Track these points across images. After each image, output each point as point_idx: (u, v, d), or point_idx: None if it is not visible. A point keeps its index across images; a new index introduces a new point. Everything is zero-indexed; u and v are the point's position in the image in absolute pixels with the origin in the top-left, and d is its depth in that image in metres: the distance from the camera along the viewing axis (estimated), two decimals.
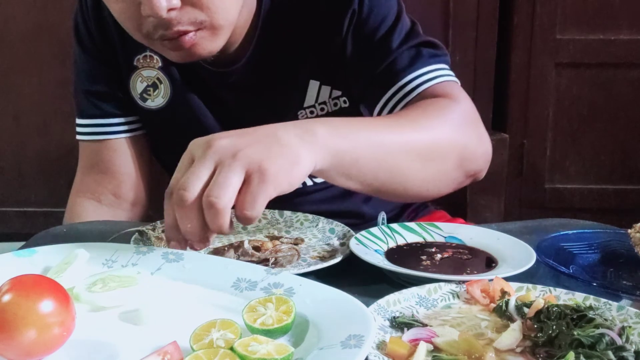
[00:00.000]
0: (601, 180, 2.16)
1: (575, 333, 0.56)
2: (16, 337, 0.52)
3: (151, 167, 1.16)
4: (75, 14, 1.10)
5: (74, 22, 1.10)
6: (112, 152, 1.10)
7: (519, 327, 0.59)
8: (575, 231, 0.87)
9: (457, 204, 1.95)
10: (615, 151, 2.14)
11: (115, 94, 1.09)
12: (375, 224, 0.87)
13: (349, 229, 0.88)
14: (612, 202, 2.15)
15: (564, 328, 0.57)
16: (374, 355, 0.53)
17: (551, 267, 0.75)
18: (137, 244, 0.80)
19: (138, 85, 1.07)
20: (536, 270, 0.76)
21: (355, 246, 0.79)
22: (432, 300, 0.66)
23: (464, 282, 0.68)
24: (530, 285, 0.68)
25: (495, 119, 2.07)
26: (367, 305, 0.60)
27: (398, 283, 0.73)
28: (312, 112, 1.04)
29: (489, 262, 0.79)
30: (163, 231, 0.78)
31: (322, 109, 1.05)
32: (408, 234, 0.86)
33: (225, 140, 0.68)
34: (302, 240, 0.87)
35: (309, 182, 1.10)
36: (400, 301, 0.64)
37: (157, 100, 1.07)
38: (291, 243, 0.84)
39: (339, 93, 1.04)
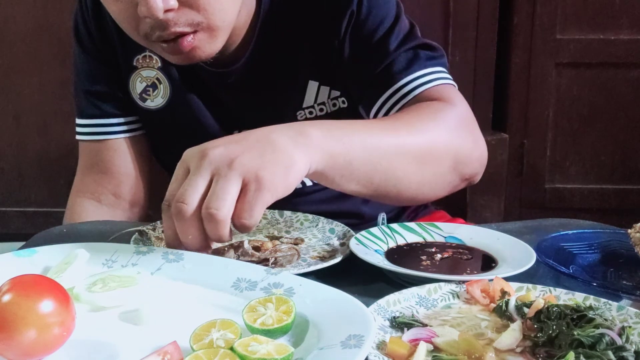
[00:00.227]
0: (601, 180, 2.16)
1: (575, 333, 0.56)
2: (16, 337, 0.52)
3: (151, 167, 1.16)
4: (75, 14, 1.10)
5: (74, 22, 1.11)
6: (112, 152, 1.10)
7: (519, 327, 0.59)
8: (575, 231, 0.87)
9: (457, 204, 1.96)
10: (616, 151, 2.14)
11: (115, 94, 1.09)
12: (375, 224, 0.87)
13: (349, 229, 0.88)
14: (612, 202, 2.15)
15: (564, 328, 0.57)
16: (374, 355, 0.53)
17: (551, 267, 0.75)
18: (137, 244, 0.80)
19: (137, 85, 1.07)
20: (536, 270, 0.76)
21: (355, 246, 0.79)
22: (432, 300, 0.66)
23: (464, 282, 0.68)
24: (530, 285, 0.68)
25: (495, 119, 2.07)
26: (367, 305, 0.60)
27: (398, 283, 0.73)
28: (311, 113, 1.04)
29: (489, 262, 0.79)
30: (163, 231, 0.78)
31: (321, 110, 1.05)
32: (408, 234, 0.86)
33: (219, 149, 0.69)
34: (302, 240, 0.87)
35: (308, 183, 1.10)
36: (400, 301, 0.64)
37: (157, 100, 1.07)
38: (291, 243, 0.84)
39: (337, 93, 1.04)
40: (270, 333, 0.57)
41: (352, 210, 1.14)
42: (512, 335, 0.58)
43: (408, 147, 0.85)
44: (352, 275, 0.75)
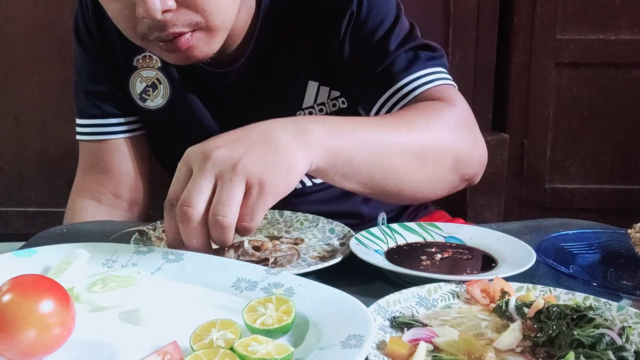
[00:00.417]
0: (601, 180, 2.16)
1: (575, 333, 0.56)
2: (16, 337, 0.52)
3: (151, 167, 1.16)
4: (75, 14, 1.10)
5: (74, 22, 1.11)
6: (112, 152, 1.11)
7: (519, 327, 0.59)
8: (575, 231, 0.87)
9: (457, 204, 1.96)
10: (616, 151, 2.14)
11: (115, 94, 1.09)
12: (375, 224, 0.87)
13: (349, 229, 0.88)
14: (612, 202, 2.15)
15: (564, 328, 0.57)
16: (374, 355, 0.53)
17: (551, 267, 0.75)
18: (137, 244, 0.80)
19: (137, 85, 1.07)
20: (536, 270, 0.76)
21: (355, 246, 0.79)
22: (432, 300, 0.66)
23: (464, 282, 0.68)
24: (530, 285, 0.68)
25: (495, 119, 2.07)
26: (367, 305, 0.60)
27: (398, 283, 0.73)
28: (310, 113, 1.04)
29: (489, 262, 0.79)
30: (163, 231, 0.78)
31: (320, 110, 1.05)
32: (408, 234, 0.86)
33: (222, 150, 0.69)
34: (302, 240, 0.87)
35: (308, 183, 1.10)
36: (400, 301, 0.64)
37: (157, 100, 1.07)
38: (291, 243, 0.84)
39: (337, 94, 1.04)
40: (270, 333, 0.57)
41: (352, 210, 1.14)
42: (512, 335, 0.58)
43: (409, 146, 0.85)
44: (352, 275, 0.75)
